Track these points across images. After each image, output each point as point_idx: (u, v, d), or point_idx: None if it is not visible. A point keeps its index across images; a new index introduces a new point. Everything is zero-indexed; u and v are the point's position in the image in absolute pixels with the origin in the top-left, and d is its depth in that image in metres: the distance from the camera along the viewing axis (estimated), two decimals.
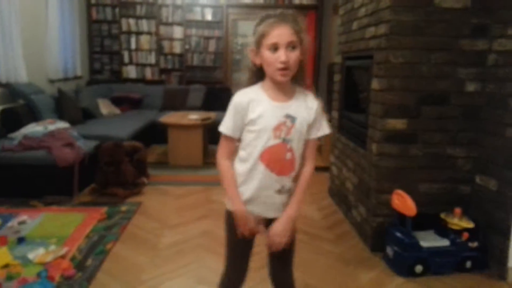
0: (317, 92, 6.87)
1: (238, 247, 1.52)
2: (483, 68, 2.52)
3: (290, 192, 1.45)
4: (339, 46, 3.68)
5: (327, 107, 4.88)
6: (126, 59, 6.88)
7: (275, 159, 1.38)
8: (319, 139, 1.46)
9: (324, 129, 1.47)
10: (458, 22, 2.48)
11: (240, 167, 1.45)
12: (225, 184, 1.45)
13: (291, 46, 1.30)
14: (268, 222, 1.46)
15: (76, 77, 6.09)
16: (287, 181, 1.42)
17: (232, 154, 1.46)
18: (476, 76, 2.53)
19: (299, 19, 1.34)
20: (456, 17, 2.47)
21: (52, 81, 5.31)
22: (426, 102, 2.54)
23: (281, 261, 1.55)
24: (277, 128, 1.36)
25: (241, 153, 1.45)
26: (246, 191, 1.44)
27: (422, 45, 2.49)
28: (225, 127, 1.42)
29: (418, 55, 2.50)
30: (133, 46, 6.85)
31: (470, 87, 2.55)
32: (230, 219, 1.47)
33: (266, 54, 1.32)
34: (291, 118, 1.37)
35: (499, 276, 2.36)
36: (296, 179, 1.45)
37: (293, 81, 1.40)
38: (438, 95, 2.54)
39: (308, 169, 1.47)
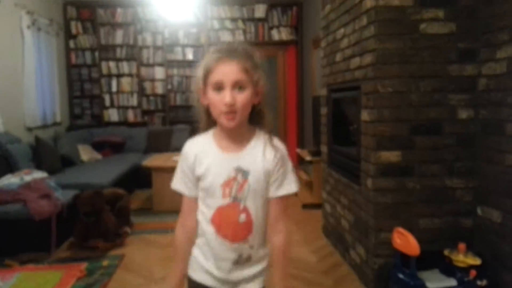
0: (303, 128, 6.79)
1: None
2: (474, 94, 2.43)
3: (250, 263, 1.21)
4: (323, 78, 3.60)
5: (314, 141, 4.77)
6: (107, 102, 6.75)
7: (226, 223, 1.17)
8: (285, 198, 1.21)
9: (288, 186, 1.20)
10: (445, 47, 2.41)
11: (198, 231, 1.26)
12: (174, 257, 1.27)
13: (238, 86, 1.10)
14: None
15: (55, 123, 5.91)
16: (244, 249, 1.18)
17: (190, 215, 1.26)
18: (468, 102, 2.44)
19: (253, 54, 1.15)
20: (442, 43, 2.41)
21: (29, 129, 5.12)
22: (418, 131, 2.43)
23: None
24: (226, 184, 1.16)
25: (198, 216, 1.25)
26: (199, 257, 1.25)
27: (410, 73, 2.41)
28: (174, 183, 1.26)
29: (406, 83, 2.41)
30: (114, 88, 6.74)
31: (463, 114, 2.45)
32: (190, 286, 1.28)
33: (210, 94, 1.13)
34: (243, 172, 1.16)
35: None
36: (258, 246, 1.21)
37: (253, 125, 1.21)
38: (431, 124, 2.44)
39: (279, 239, 1.21)
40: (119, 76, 6.73)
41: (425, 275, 2.27)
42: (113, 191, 3.71)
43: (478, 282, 2.24)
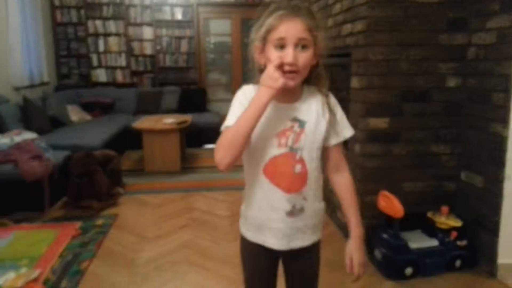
0: None
1: (257, 281, 1.32)
2: (463, 63, 2.48)
3: (303, 215, 1.20)
4: None
5: None
6: (95, 62, 6.63)
7: (281, 173, 1.14)
8: (345, 145, 1.24)
9: (346, 131, 1.22)
10: (435, 16, 2.43)
11: (247, 186, 1.23)
12: (242, 122, 1.06)
13: (301, 44, 1.06)
14: (277, 255, 1.27)
15: (43, 83, 5.81)
16: (299, 200, 1.17)
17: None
18: (457, 70, 2.49)
19: (315, 14, 1.11)
20: (432, 12, 2.42)
21: (17, 89, 5.04)
22: (407, 99, 2.49)
23: None
24: (282, 133, 1.13)
25: (244, 167, 1.22)
26: (250, 213, 1.23)
27: (400, 41, 2.43)
28: (230, 121, 1.13)
29: (397, 51, 2.44)
30: (101, 48, 6.61)
31: (451, 82, 2.51)
32: (245, 247, 1.30)
33: (272, 52, 1.08)
34: (300, 122, 1.14)
35: (489, 273, 2.33)
36: (313, 198, 1.20)
37: (306, 81, 1.18)
38: (419, 91, 2.49)
39: (345, 178, 1.25)
40: (106, 35, 6.58)
41: (408, 236, 2.39)
42: (104, 153, 3.74)
43: (458, 243, 2.38)
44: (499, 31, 2.21)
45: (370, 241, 2.49)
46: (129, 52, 6.66)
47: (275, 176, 1.15)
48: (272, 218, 1.19)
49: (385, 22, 2.40)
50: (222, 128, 1.13)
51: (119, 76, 6.72)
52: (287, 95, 1.15)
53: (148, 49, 6.69)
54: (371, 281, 2.32)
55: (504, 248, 2.26)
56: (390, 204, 2.31)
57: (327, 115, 1.17)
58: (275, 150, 1.14)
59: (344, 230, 2.86)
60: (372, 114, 2.48)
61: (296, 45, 1.06)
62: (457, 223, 2.37)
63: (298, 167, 1.15)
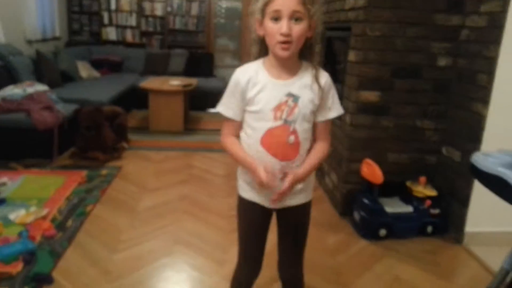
0: None
1: (250, 235, 1.45)
2: (455, 43, 2.60)
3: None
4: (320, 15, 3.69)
5: None
6: (105, 20, 6.75)
7: (276, 143, 1.26)
8: (332, 121, 1.35)
9: (335, 109, 1.32)
10: None
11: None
12: (234, 156, 1.31)
13: (295, 17, 1.15)
14: (270, 212, 1.41)
15: (54, 38, 5.96)
16: (291, 167, 1.28)
17: (237, 132, 1.35)
18: (448, 50, 2.62)
19: None
20: None
21: (30, 42, 5.20)
22: (398, 75, 2.63)
23: (291, 254, 1.48)
24: (277, 108, 1.24)
25: (242, 137, 1.34)
26: (247, 177, 1.36)
27: (398, 19, 2.54)
28: (223, 108, 1.31)
29: (394, 28, 2.56)
30: (113, 6, 6.71)
31: (442, 61, 2.64)
32: (242, 205, 1.42)
33: (268, 24, 1.17)
34: (294, 97, 1.24)
35: (456, 240, 2.54)
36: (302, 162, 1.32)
37: (300, 57, 1.28)
38: (411, 68, 2.63)
39: (323, 144, 1.34)
40: None
41: (386, 201, 2.59)
42: (112, 109, 3.93)
43: (431, 211, 2.58)
44: (490, 15, 2.33)
45: (350, 204, 2.70)
46: (140, 12, 6.75)
47: (271, 146, 1.26)
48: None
49: None
50: (217, 109, 1.34)
51: (129, 36, 6.83)
52: (284, 73, 1.25)
53: (159, 10, 6.77)
54: (349, 239, 2.54)
55: (472, 218, 2.46)
56: (372, 171, 2.50)
57: (315, 89, 1.26)
58: (271, 123, 1.25)
59: (330, 194, 3.07)
60: (364, 87, 2.63)
61: (290, 17, 1.14)
62: (432, 192, 2.56)
63: (291, 138, 1.26)
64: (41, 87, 3.97)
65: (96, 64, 6.01)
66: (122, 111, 4.02)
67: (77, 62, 5.59)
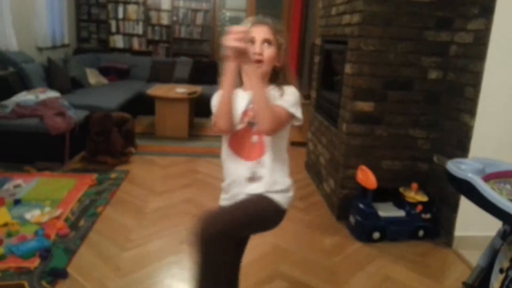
0: (301, 72, 7.05)
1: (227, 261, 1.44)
2: (445, 58, 2.77)
3: (264, 181, 1.44)
4: (319, 29, 3.88)
5: (309, 86, 5.11)
6: (113, 28, 6.96)
7: (241, 143, 1.45)
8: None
9: (283, 101, 1.40)
10: (424, 14, 2.71)
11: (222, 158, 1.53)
12: (221, 101, 1.39)
13: (266, 42, 1.43)
14: None
15: (63, 45, 6.16)
16: (257, 168, 1.44)
17: None
18: (438, 64, 2.79)
19: (280, 26, 1.48)
20: (422, 10, 2.70)
21: (40, 49, 5.40)
22: (391, 87, 2.79)
23: (221, 213, 1.46)
24: (244, 114, 1.44)
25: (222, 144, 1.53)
26: (224, 184, 1.53)
27: (390, 35, 2.72)
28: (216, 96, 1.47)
29: (386, 44, 2.73)
30: (120, 15, 6.91)
31: (432, 74, 2.80)
32: None
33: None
34: None
35: (446, 244, 2.70)
36: (272, 169, 1.44)
37: (274, 79, 1.48)
38: (403, 81, 2.80)
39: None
40: (125, 3, 6.88)
41: (379, 206, 2.75)
42: (120, 115, 4.11)
43: (423, 215, 2.73)
44: (476, 32, 2.50)
45: (346, 208, 2.86)
46: (147, 21, 6.95)
47: (237, 146, 1.46)
48: (236, 183, 1.47)
49: (379, 16, 2.69)
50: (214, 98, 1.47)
51: (136, 44, 7.04)
52: None
53: (165, 20, 6.98)
54: (344, 242, 2.69)
55: (461, 223, 2.61)
56: (366, 177, 2.66)
57: (278, 96, 1.43)
58: (238, 126, 1.44)
59: (327, 199, 3.23)
60: (359, 98, 2.80)
61: (262, 42, 1.43)
62: (424, 198, 2.72)
63: (254, 138, 1.45)
64: (53, 94, 4.16)
65: (104, 71, 6.20)
66: (130, 117, 4.20)
67: (86, 69, 5.78)
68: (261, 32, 1.43)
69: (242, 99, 1.45)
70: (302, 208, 3.18)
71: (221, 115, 1.40)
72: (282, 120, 1.39)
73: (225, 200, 1.55)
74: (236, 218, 1.37)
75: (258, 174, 1.44)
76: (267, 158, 1.44)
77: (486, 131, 2.49)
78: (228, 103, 1.39)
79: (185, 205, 3.09)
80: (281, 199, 1.46)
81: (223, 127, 1.42)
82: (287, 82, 1.49)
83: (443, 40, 2.75)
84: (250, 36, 1.41)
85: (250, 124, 1.44)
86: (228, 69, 1.35)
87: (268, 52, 1.43)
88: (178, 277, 2.23)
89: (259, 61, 1.41)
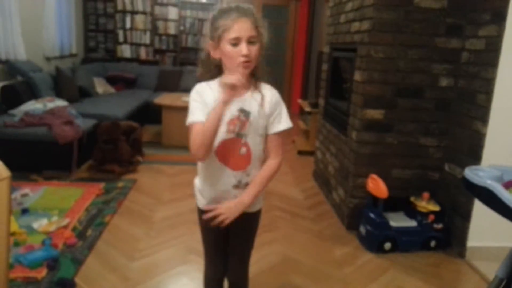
0: (307, 80, 7.05)
1: (209, 241, 1.59)
2: (456, 65, 2.74)
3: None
4: (327, 36, 3.87)
5: (316, 94, 5.09)
6: (121, 38, 6.99)
7: (229, 154, 1.38)
8: (281, 133, 1.45)
9: (283, 123, 1.42)
10: (435, 21, 2.68)
11: (200, 163, 1.46)
12: (206, 127, 1.30)
13: (250, 41, 1.31)
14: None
15: (71, 55, 6.20)
16: (243, 176, 1.41)
17: None
18: (449, 72, 2.75)
19: (256, 14, 1.36)
20: (433, 17, 2.67)
21: (48, 59, 5.43)
22: (402, 94, 2.76)
23: (238, 257, 1.59)
24: (230, 122, 1.36)
25: None
26: (204, 187, 1.48)
27: (401, 42, 2.69)
28: (196, 116, 1.34)
29: (396, 51, 2.70)
30: (128, 25, 6.96)
31: (443, 82, 2.77)
32: (199, 215, 1.53)
33: (227, 48, 1.31)
34: (245, 113, 1.36)
35: (459, 254, 2.64)
36: (255, 175, 1.43)
37: (252, 76, 1.40)
38: (413, 88, 2.76)
39: (272, 162, 1.44)
40: (133, 13, 6.92)
41: (390, 216, 2.71)
42: (128, 124, 4.11)
43: (435, 225, 2.68)
44: (488, 39, 2.47)
45: (357, 218, 2.81)
46: (154, 31, 6.99)
47: (224, 157, 1.38)
48: (221, 189, 1.43)
49: (389, 23, 2.67)
50: (187, 123, 1.37)
51: (143, 53, 7.07)
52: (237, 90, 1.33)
53: (172, 29, 7.01)
54: (355, 253, 2.65)
55: (474, 233, 2.56)
56: (377, 186, 2.62)
57: (268, 107, 1.39)
58: (224, 135, 1.36)
59: (337, 208, 3.19)
60: (369, 105, 2.77)
61: (248, 41, 1.30)
62: (436, 208, 2.67)
63: (243, 150, 1.39)
64: (61, 103, 4.17)
65: (111, 80, 6.22)
66: (138, 126, 4.19)
67: (94, 78, 5.80)
68: (246, 30, 1.30)
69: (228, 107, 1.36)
70: (311, 218, 3.14)
71: (203, 147, 1.32)
72: (282, 143, 1.48)
73: (205, 203, 1.49)
74: (251, 249, 1.61)
75: (243, 182, 1.42)
76: (253, 166, 1.43)
77: (499, 138, 2.45)
78: (213, 136, 1.31)
79: (192, 214, 3.02)
80: (261, 201, 1.56)
81: (202, 156, 1.36)
82: (260, 74, 1.41)
83: (454, 47, 2.72)
84: (233, 37, 1.30)
85: (240, 135, 1.38)
86: (219, 105, 1.28)
87: (255, 50, 1.33)
88: None
89: (247, 62, 1.32)
